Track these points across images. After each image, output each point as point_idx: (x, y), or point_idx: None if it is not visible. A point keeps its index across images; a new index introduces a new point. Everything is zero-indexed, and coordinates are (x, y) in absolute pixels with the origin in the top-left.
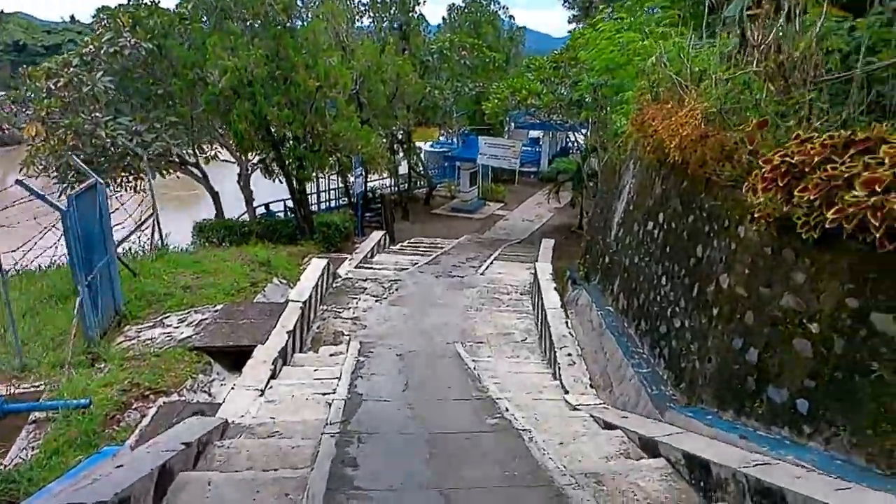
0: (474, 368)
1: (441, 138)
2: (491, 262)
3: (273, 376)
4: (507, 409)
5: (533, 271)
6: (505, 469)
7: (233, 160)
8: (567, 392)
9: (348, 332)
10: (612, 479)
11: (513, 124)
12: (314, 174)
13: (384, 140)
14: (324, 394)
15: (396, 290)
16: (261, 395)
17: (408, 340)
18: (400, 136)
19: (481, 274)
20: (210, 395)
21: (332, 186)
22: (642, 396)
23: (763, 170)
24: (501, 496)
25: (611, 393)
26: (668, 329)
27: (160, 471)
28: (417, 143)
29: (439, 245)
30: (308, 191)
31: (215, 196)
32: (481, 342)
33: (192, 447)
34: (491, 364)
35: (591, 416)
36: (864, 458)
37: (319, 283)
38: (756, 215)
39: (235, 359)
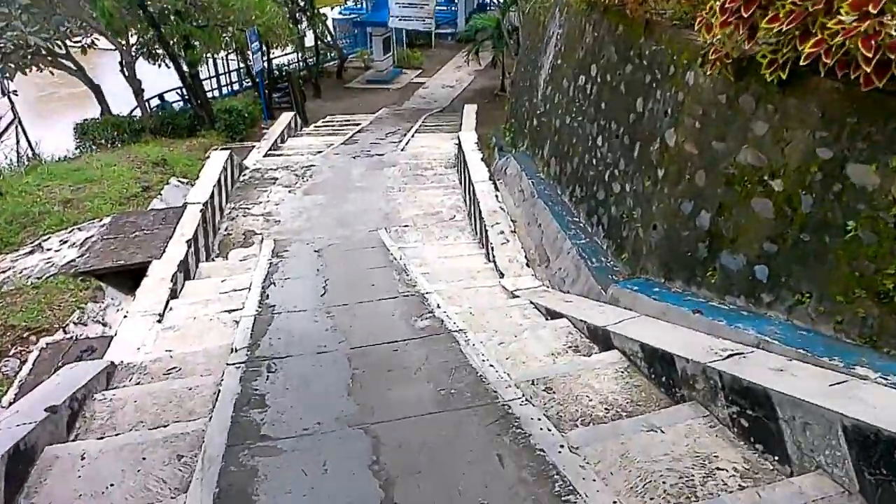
0: (400, 258)
1: (349, 3)
2: (412, 136)
3: (174, 295)
4: (438, 306)
5: (457, 142)
6: (440, 387)
7: (113, 47)
8: (502, 275)
9: (260, 231)
10: (562, 383)
11: None
12: (207, 55)
13: (284, 8)
14: (231, 311)
15: (311, 176)
16: (158, 321)
17: (326, 233)
18: (302, 3)
19: (402, 150)
20: (105, 324)
21: (233, 68)
22: (582, 271)
23: (721, 0)
24: (437, 426)
25: (548, 268)
26: (607, 195)
27: (12, 453)
28: (323, 10)
29: (355, 122)
30: (207, 75)
31: (97, 91)
32: (407, 225)
33: (60, 410)
34: (418, 250)
35: (532, 302)
36: (833, 328)
37: (222, 178)
38: (712, 57)
39: (133, 278)
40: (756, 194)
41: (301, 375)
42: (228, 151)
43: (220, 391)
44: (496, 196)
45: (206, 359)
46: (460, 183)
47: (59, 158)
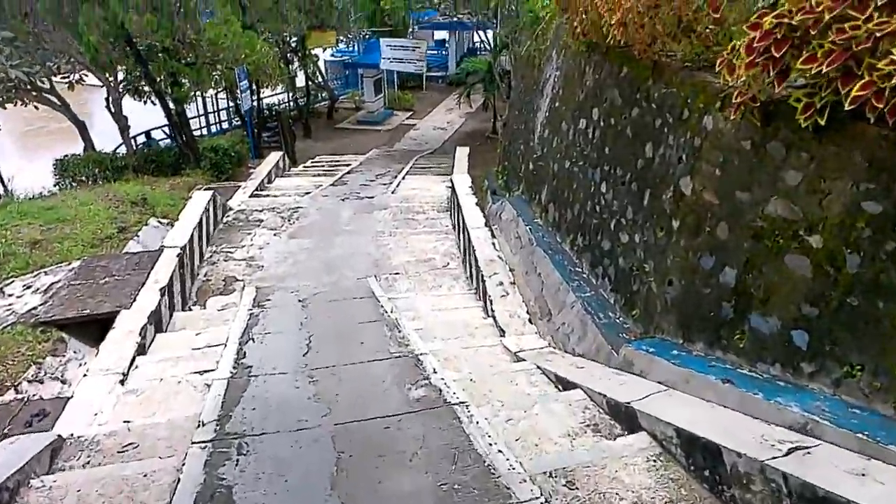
0: (391, 311)
1: (340, 45)
2: (403, 178)
3: (141, 351)
4: (434, 371)
5: (450, 185)
6: (440, 479)
7: (101, 83)
8: (503, 332)
9: (241, 277)
10: (585, 476)
11: (416, 26)
12: (194, 92)
13: (276, 49)
14: (203, 372)
15: (297, 219)
16: (121, 382)
17: (312, 280)
18: (293, 44)
19: (392, 192)
20: (64, 382)
21: (222, 107)
22: (589, 327)
23: (749, 38)
24: None
25: (550, 322)
26: (613, 245)
27: None
28: (314, 51)
29: (345, 162)
30: (195, 113)
31: (81, 127)
32: (398, 273)
33: None
34: (410, 300)
35: (539, 367)
36: (893, 406)
37: (204, 220)
38: (736, 101)
39: (100, 328)
40: (790, 250)
41: (277, 459)
42: (211, 192)
43: (179, 480)
44: (493, 244)
45: (168, 432)
46: (454, 228)
47: (33, 195)
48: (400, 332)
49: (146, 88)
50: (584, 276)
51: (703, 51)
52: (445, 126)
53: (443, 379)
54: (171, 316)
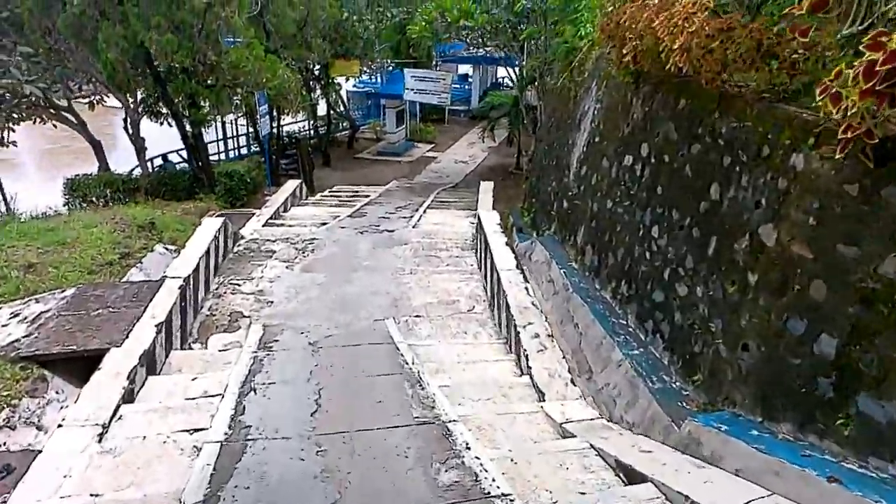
0: (412, 361)
1: (364, 77)
2: (424, 212)
3: (129, 397)
4: (467, 447)
5: (474, 221)
6: None
7: (120, 104)
8: (542, 395)
9: (248, 313)
10: None
11: (440, 59)
12: (213, 115)
13: (299, 76)
14: (193, 430)
15: (312, 251)
16: (99, 438)
17: (325, 319)
18: (316, 72)
19: (414, 226)
20: (41, 428)
21: (242, 132)
22: (641, 392)
23: (869, 61)
24: None
25: (591, 380)
26: (668, 297)
27: None
28: (337, 80)
29: (364, 193)
30: (214, 137)
31: (97, 146)
32: (418, 316)
33: None
34: (433, 349)
35: (593, 447)
36: None
37: (212, 249)
38: (842, 136)
39: (88, 366)
40: None
41: None
42: (222, 219)
43: None
44: (526, 289)
45: None
46: (480, 268)
47: (37, 215)
48: (423, 389)
49: (163, 110)
50: (630, 329)
51: (785, 80)
52: (467, 160)
53: (478, 458)
54: (167, 355)
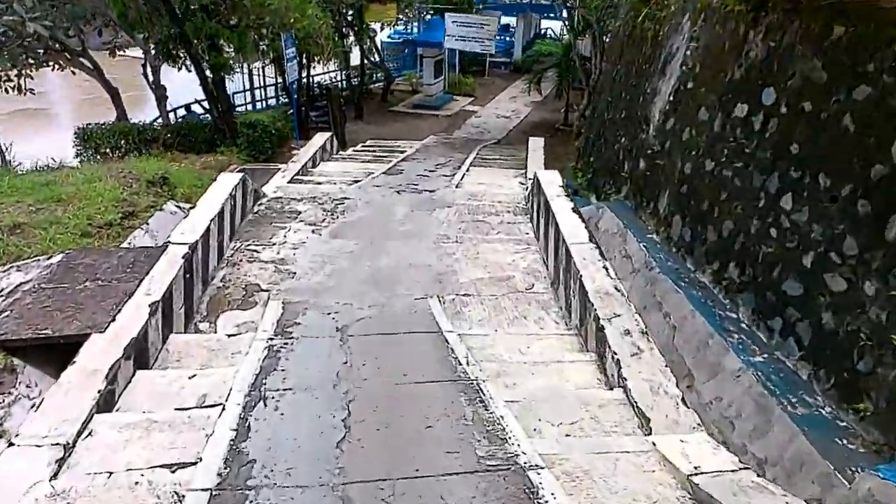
0: (467, 361)
1: (399, 27)
2: (467, 170)
3: (106, 404)
4: None
5: (525, 182)
6: None
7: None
8: (647, 421)
9: (267, 286)
10: None
11: (481, 6)
12: (237, 61)
13: (330, 21)
14: (177, 467)
15: (342, 213)
16: (56, 469)
17: (356, 297)
18: (349, 17)
19: (457, 186)
20: (2, 435)
21: (270, 83)
22: (775, 417)
23: None
24: None
25: (691, 390)
26: (810, 291)
27: None
28: (372, 26)
29: (400, 149)
30: (241, 88)
31: (115, 95)
32: (467, 294)
33: None
34: (489, 341)
35: None
36: None
37: (227, 209)
38: None
39: (69, 352)
40: None
41: None
42: (241, 175)
43: None
44: (605, 268)
45: None
46: (537, 237)
47: (40, 167)
48: (487, 408)
49: (182, 54)
50: (744, 327)
51: None
52: (510, 115)
53: None
54: (164, 341)
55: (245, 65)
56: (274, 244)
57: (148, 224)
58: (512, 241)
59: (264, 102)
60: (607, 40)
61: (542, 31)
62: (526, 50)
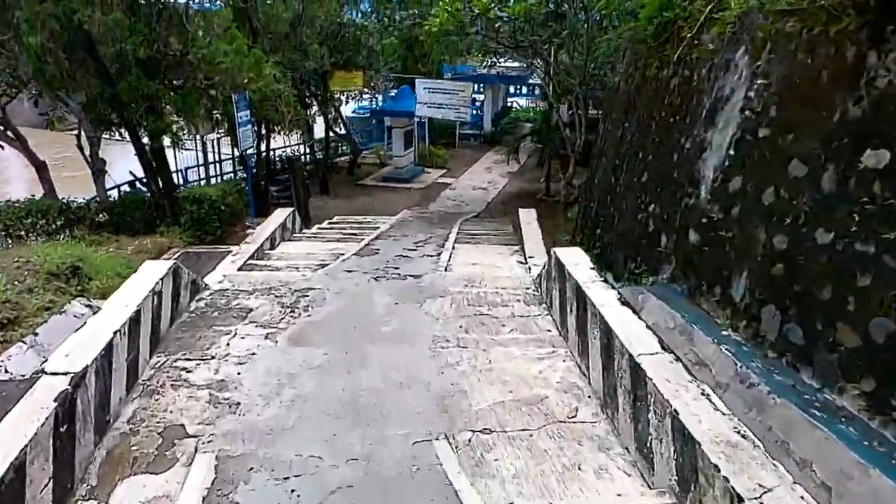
0: None
1: (364, 102)
2: (453, 248)
3: None
4: None
5: (532, 260)
6: None
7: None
8: None
9: (196, 428)
10: None
11: (450, 74)
12: (187, 131)
13: (291, 87)
14: None
15: (306, 309)
16: None
17: (327, 446)
18: (313, 84)
19: (446, 269)
20: None
21: (227, 157)
22: None
23: None
24: None
25: None
26: None
27: None
28: (338, 95)
29: (373, 225)
30: (197, 161)
31: (41, 168)
32: (487, 430)
33: None
34: None
35: None
36: None
37: (145, 312)
38: None
39: None
40: None
41: None
42: (172, 263)
43: None
44: (707, 396)
45: None
46: (563, 336)
47: None
48: None
49: (115, 118)
50: None
51: None
52: (486, 186)
53: None
54: None
55: (198, 136)
56: (212, 358)
57: (37, 334)
58: (532, 341)
59: (220, 178)
60: (607, 94)
61: (509, 105)
62: (496, 122)
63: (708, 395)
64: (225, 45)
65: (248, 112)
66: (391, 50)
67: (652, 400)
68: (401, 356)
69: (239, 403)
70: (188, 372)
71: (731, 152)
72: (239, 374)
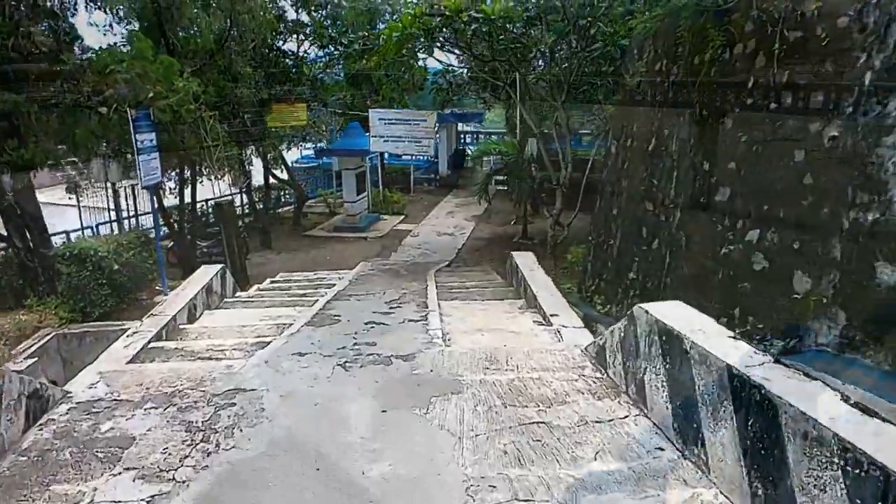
0: None
1: (308, 151)
2: (439, 306)
3: None
4: None
5: (539, 318)
6: None
7: None
8: None
9: None
10: None
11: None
12: (79, 170)
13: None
14: None
15: (230, 433)
16: None
17: None
18: (247, 118)
19: (445, 339)
20: None
21: (146, 209)
22: None
23: None
24: None
25: None
26: None
27: None
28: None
29: (327, 281)
30: (108, 210)
31: None
32: None
33: None
34: None
35: None
36: None
37: None
38: None
39: None
40: None
41: None
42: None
43: None
44: None
45: None
46: (679, 448)
47: None
48: None
49: None
50: None
51: None
52: (453, 231)
53: None
54: None
55: (107, 180)
56: None
57: None
58: (641, 475)
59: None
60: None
61: (462, 147)
62: (452, 163)
63: None
64: (121, 53)
65: (153, 136)
66: (338, 88)
67: None
68: None
69: None
70: None
71: None
72: None
